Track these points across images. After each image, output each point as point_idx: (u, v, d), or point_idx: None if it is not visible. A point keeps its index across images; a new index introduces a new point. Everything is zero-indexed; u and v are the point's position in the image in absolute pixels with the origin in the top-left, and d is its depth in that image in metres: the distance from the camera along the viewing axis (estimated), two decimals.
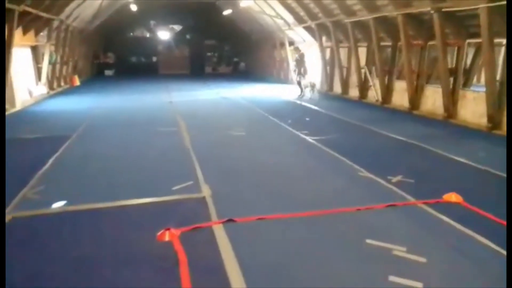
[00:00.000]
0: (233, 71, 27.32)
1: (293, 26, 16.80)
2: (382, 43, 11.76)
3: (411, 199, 4.40)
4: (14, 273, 2.98)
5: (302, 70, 14.18)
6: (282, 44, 19.65)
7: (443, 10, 8.42)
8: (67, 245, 3.43)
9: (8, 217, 3.94)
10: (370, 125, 8.76)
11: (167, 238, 3.47)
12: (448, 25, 8.87)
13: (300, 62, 14.30)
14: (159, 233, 3.53)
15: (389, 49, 11.98)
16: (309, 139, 7.42)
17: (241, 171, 5.50)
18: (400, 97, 11.39)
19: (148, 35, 26.40)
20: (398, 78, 11.75)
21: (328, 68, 15.73)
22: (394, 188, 4.74)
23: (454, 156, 6.14)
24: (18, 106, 11.17)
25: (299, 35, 17.42)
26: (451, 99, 9.25)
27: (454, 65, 9.43)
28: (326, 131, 8.14)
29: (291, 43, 18.97)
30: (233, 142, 7.34)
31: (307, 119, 9.81)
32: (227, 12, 20.02)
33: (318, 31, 14.98)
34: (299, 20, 15.68)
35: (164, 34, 26.16)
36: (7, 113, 10.26)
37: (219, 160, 6.07)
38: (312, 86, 14.19)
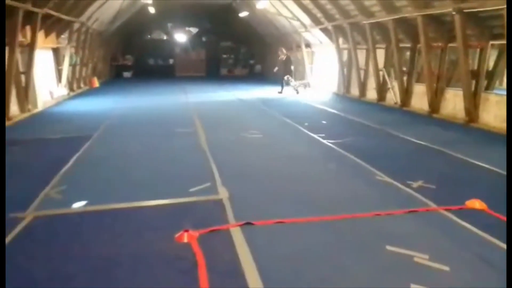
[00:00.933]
0: (248, 73, 27.37)
1: (309, 27, 16.72)
2: (401, 45, 11.57)
3: (432, 205, 4.29)
4: (35, 272, 3.05)
5: (289, 70, 15.73)
6: (298, 46, 19.57)
7: (465, 10, 8.23)
8: (87, 245, 3.48)
9: (29, 217, 4.03)
10: (389, 128, 8.63)
11: (185, 240, 3.48)
12: (470, 26, 8.66)
13: (286, 63, 15.69)
14: (177, 235, 3.55)
15: (408, 51, 11.78)
16: (326, 142, 7.35)
17: (258, 174, 5.49)
18: (420, 100, 11.18)
19: (165, 37, 26.71)
20: (418, 80, 11.54)
21: (345, 70, 15.59)
22: (415, 194, 4.64)
23: (476, 161, 5.98)
24: (40, 107, 11.46)
25: (316, 36, 17.33)
26: (472, 103, 9.02)
27: (476, 68, 9.20)
28: (343, 134, 8.06)
29: (308, 45, 18.89)
30: (250, 144, 7.33)
31: (324, 122, 9.73)
32: (243, 14, 20.08)
33: (335, 33, 14.87)
34: (316, 21, 15.59)
35: (180, 37, 26.43)
36: (29, 114, 10.54)
37: (236, 162, 6.07)
38: (305, 85, 16.36)
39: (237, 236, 3.57)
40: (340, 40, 15.17)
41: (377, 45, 12.87)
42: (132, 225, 3.88)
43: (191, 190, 4.75)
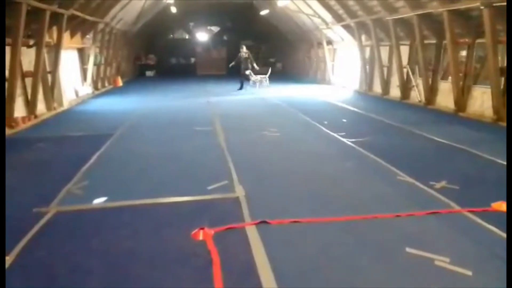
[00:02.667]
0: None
1: (331, 24, 16.50)
2: (426, 41, 11.23)
3: (455, 206, 4.14)
4: (56, 267, 3.13)
5: (250, 67, 16.27)
6: (320, 44, 19.36)
7: (495, 4, 7.88)
8: (106, 240, 3.55)
9: (52, 211, 4.15)
10: (412, 127, 8.39)
11: (201, 237, 3.50)
12: (500, 21, 8.29)
13: (247, 60, 16.22)
14: (193, 232, 3.57)
15: (434, 48, 11.41)
16: (346, 141, 7.23)
17: (275, 172, 5.45)
18: (445, 98, 10.83)
19: (187, 37, 27.02)
20: (443, 78, 11.18)
21: (367, 67, 15.29)
22: (437, 194, 4.48)
23: (504, 162, 5.72)
24: (65, 105, 11.82)
25: (337, 34, 17.08)
26: (501, 101, 8.64)
27: (505, 64, 8.80)
28: (364, 132, 7.90)
29: (329, 43, 18.65)
30: (268, 142, 7.30)
31: (344, 120, 9.58)
32: (264, 12, 20.03)
33: (357, 30, 14.60)
34: (338, 18, 15.36)
35: (202, 36, 26.67)
36: (55, 112, 10.89)
37: (253, 160, 6.06)
38: (261, 80, 16.95)
39: (253, 234, 3.55)
40: (363, 37, 14.89)
41: (401, 42, 12.54)
42: (150, 221, 3.94)
43: (209, 188, 4.77)
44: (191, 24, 26.43)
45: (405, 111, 10.85)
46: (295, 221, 3.80)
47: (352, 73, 16.77)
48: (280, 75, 24.86)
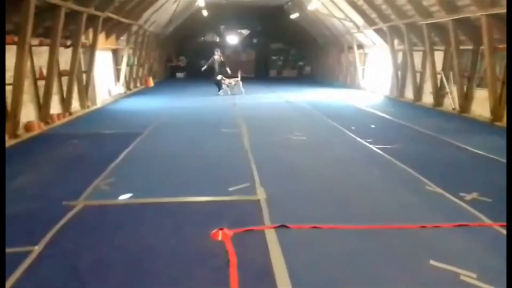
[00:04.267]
0: (298, 75, 27.19)
1: (362, 28, 16.21)
2: (462, 47, 10.80)
3: (486, 220, 3.93)
4: (80, 259, 3.24)
5: (224, 71, 15.57)
6: (350, 48, 19.06)
7: None
8: (129, 236, 3.65)
9: (80, 205, 4.31)
10: (444, 135, 8.07)
11: (220, 238, 3.51)
12: None
13: (223, 64, 15.62)
14: (212, 232, 3.59)
15: (470, 54, 10.95)
16: (373, 147, 7.05)
17: (298, 176, 5.40)
18: (481, 106, 10.34)
19: (217, 39, 27.40)
20: (479, 85, 10.69)
21: (399, 73, 14.89)
22: (467, 207, 4.28)
23: None
24: (99, 104, 12.28)
25: (369, 37, 16.76)
26: None
27: None
28: (393, 139, 7.68)
29: (360, 47, 18.33)
30: (293, 146, 7.25)
31: (373, 126, 9.36)
32: (294, 15, 19.98)
33: (390, 34, 14.27)
34: (370, 22, 15.07)
35: (232, 39, 26.97)
36: (89, 110, 11.33)
37: (277, 163, 6.03)
38: (235, 83, 15.91)
39: (271, 238, 3.53)
40: (395, 41, 14.53)
41: (435, 47, 12.13)
42: (172, 219, 4.00)
43: (230, 189, 4.79)
44: (222, 27, 26.79)
45: (438, 119, 10.46)
46: (315, 227, 3.74)
47: (383, 78, 16.39)
48: (309, 79, 24.72)
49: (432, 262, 3.12)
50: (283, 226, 3.73)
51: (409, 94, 14.19)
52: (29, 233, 3.63)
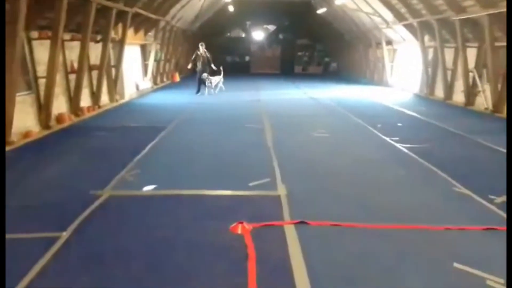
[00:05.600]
0: (323, 71, 26.84)
1: (391, 24, 15.77)
2: (497, 44, 10.30)
3: None
4: (104, 246, 3.35)
5: (208, 69, 14.06)
6: (378, 44, 18.61)
7: None
8: (151, 226, 3.74)
9: (106, 195, 4.45)
10: (475, 135, 7.74)
11: (239, 231, 3.54)
12: None
13: (207, 61, 14.06)
14: (232, 225, 3.62)
15: (505, 51, 10.42)
16: (399, 146, 6.87)
17: (320, 174, 5.35)
18: None
19: (243, 35, 27.45)
20: None
21: (429, 70, 14.40)
22: (496, 210, 4.10)
23: None
24: (127, 98, 12.61)
25: (398, 33, 16.29)
26: None
27: None
28: (421, 139, 7.44)
29: (389, 43, 17.86)
30: (316, 143, 7.18)
31: (400, 124, 9.11)
32: (321, 10, 19.71)
33: (420, 30, 13.80)
34: (399, 17, 14.64)
35: (258, 34, 26.93)
36: (117, 103, 11.66)
37: (299, 160, 5.99)
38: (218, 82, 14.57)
39: (290, 234, 3.52)
40: (426, 37, 14.05)
41: (468, 44, 11.63)
42: (193, 211, 4.07)
43: (251, 184, 4.80)
44: (248, 23, 26.80)
45: (469, 119, 10.06)
46: (335, 225, 3.70)
47: (412, 75, 15.91)
48: (335, 75, 24.36)
49: (456, 265, 3.02)
50: (302, 222, 3.71)
51: (439, 92, 13.71)
52: (58, 220, 3.78)
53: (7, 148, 6.49)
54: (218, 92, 14.51)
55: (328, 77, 23.56)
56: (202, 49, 14.15)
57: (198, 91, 14.03)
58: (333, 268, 3.03)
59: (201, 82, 14.04)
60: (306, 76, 24.39)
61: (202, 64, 14.02)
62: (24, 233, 3.55)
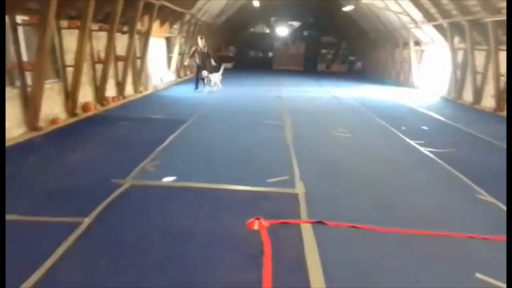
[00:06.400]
0: (347, 70, 26.43)
1: (420, 24, 15.34)
2: None
3: None
4: (123, 233, 3.43)
5: (208, 65, 13.04)
6: (406, 44, 18.15)
7: None
8: (169, 217, 3.80)
9: (127, 184, 4.54)
10: (504, 142, 7.45)
11: (256, 227, 3.54)
12: None
13: (207, 57, 13.06)
14: (249, 221, 3.63)
15: None
16: (423, 150, 6.70)
17: (340, 174, 5.28)
18: None
19: (267, 31, 27.34)
20: None
21: (458, 72, 13.95)
22: None
23: None
24: (151, 89, 12.80)
25: (427, 34, 15.84)
26: None
27: None
28: (447, 143, 7.21)
29: (417, 43, 17.39)
30: (337, 143, 7.09)
31: (425, 128, 8.86)
32: (347, 8, 19.35)
33: (450, 31, 13.37)
34: (428, 17, 14.21)
35: (282, 30, 26.74)
36: (141, 95, 11.84)
37: (318, 159, 5.93)
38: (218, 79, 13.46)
39: (307, 233, 3.49)
40: (456, 39, 13.60)
41: (500, 47, 11.18)
42: (210, 205, 4.09)
43: (269, 180, 4.79)
44: (273, 18, 26.65)
45: (498, 124, 9.67)
46: (353, 226, 3.64)
47: (440, 77, 15.45)
48: (359, 75, 23.95)
49: (478, 275, 2.92)
50: (320, 222, 3.67)
51: (467, 96, 13.26)
52: (80, 206, 3.89)
53: (35, 134, 6.72)
54: (222, 88, 13.70)
55: (352, 76, 23.19)
56: (201, 43, 13.04)
57: (197, 87, 13.12)
58: (349, 270, 2.98)
59: (201, 79, 13.09)
60: (330, 74, 24.08)
61: (202, 60, 12.96)
62: (49, 216, 3.66)
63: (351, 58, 27.02)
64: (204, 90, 13.01)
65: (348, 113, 10.54)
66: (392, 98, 13.83)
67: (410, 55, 17.81)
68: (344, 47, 27.06)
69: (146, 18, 11.55)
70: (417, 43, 17.38)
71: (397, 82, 19.11)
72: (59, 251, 3.06)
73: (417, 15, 14.88)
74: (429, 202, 4.45)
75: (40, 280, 2.71)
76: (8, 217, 3.58)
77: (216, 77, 13.46)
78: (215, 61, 13.73)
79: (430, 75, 16.64)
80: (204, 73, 12.89)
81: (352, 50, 26.98)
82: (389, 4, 15.96)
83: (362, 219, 3.80)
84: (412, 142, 7.21)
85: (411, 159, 6.21)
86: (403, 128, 8.40)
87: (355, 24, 23.32)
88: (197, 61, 13.06)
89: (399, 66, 19.65)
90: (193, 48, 13.34)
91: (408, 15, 15.49)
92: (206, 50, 13.12)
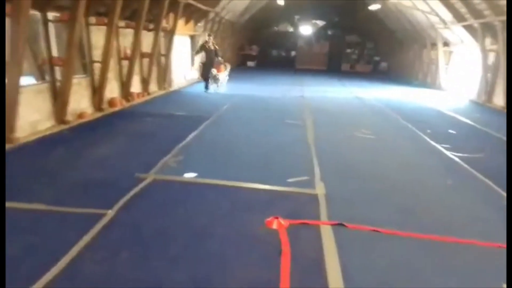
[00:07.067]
0: (372, 70, 25.93)
1: (449, 24, 14.87)
2: None
3: None
4: (145, 226, 3.49)
5: (217, 61, 12.64)
6: (434, 45, 17.64)
7: None
8: (189, 212, 3.84)
9: (150, 178, 4.62)
10: None
11: (274, 226, 3.53)
12: None
13: (215, 54, 12.50)
14: (267, 220, 3.62)
15: None
16: (449, 154, 6.49)
17: (361, 176, 5.18)
18: None
19: (291, 30, 27.17)
20: None
21: (489, 75, 13.44)
22: None
23: None
24: (174, 86, 12.98)
25: (456, 34, 15.33)
26: None
27: None
28: (475, 148, 6.96)
29: (445, 44, 16.87)
30: (360, 144, 6.97)
31: (452, 131, 8.58)
32: (374, 7, 18.98)
33: (481, 32, 12.88)
34: (459, 17, 13.74)
35: (306, 29, 26.49)
36: (165, 91, 12.03)
37: (340, 160, 5.85)
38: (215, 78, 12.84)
39: (327, 234, 3.45)
40: (487, 40, 13.10)
41: None
42: (230, 202, 4.11)
43: (289, 180, 4.77)
44: (297, 17, 26.46)
45: None
46: (375, 230, 3.57)
47: (469, 80, 14.93)
48: (384, 75, 23.47)
49: (505, 286, 2.81)
50: (340, 224, 3.62)
51: (498, 100, 12.76)
52: (104, 198, 3.99)
53: (63, 127, 6.95)
54: (226, 87, 13.67)
55: (377, 76, 22.75)
56: (210, 40, 12.59)
57: (207, 87, 12.63)
58: (369, 274, 2.93)
59: (209, 78, 12.65)
60: (354, 74, 23.71)
61: (210, 57, 12.45)
62: (74, 207, 3.77)
63: (376, 58, 26.50)
64: (210, 89, 12.74)
65: (372, 114, 10.35)
66: (418, 100, 13.48)
67: (438, 56, 17.30)
68: (369, 46, 26.56)
69: (171, 16, 11.71)
70: (446, 44, 16.86)
71: (424, 84, 18.59)
72: (84, 240, 3.16)
73: (447, 15, 14.43)
74: (454, 208, 4.31)
75: (64, 269, 2.79)
76: (35, 206, 3.72)
77: (224, 75, 13.30)
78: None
79: (459, 77, 16.11)
80: (214, 71, 12.65)
81: (377, 50, 26.46)
82: (417, 3, 15.55)
83: (383, 223, 3.73)
84: (438, 145, 7.00)
85: (436, 163, 6.03)
86: (428, 131, 8.16)
87: (381, 24, 22.85)
88: (205, 58, 12.63)
89: (427, 68, 19.11)
90: (201, 43, 12.96)
91: (437, 15, 15.04)
92: (213, 48, 12.61)
